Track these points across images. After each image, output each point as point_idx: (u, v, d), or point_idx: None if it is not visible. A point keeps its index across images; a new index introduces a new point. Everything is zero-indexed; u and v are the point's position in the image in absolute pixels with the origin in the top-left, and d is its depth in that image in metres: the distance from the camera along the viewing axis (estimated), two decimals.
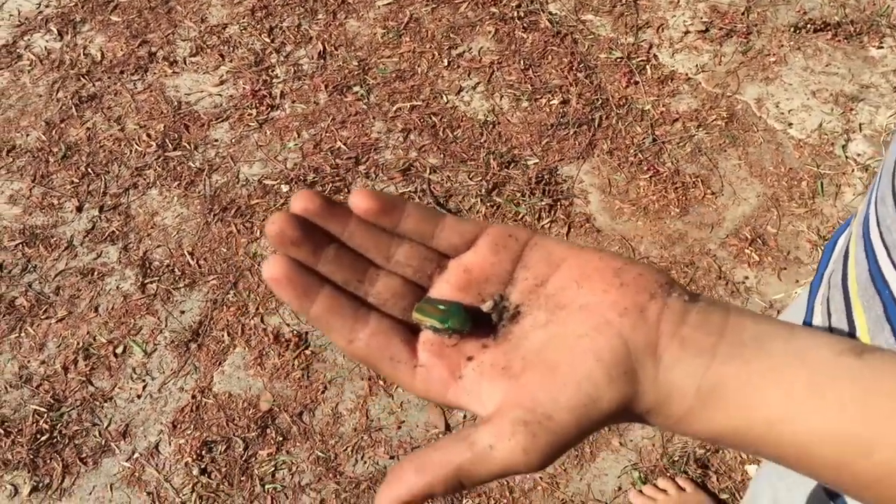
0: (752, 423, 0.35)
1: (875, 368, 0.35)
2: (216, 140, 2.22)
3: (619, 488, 1.66)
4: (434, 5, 2.49)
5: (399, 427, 1.74)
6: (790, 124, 2.19)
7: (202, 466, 1.72)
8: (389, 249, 0.41)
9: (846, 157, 2.11)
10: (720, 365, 0.36)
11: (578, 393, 0.35)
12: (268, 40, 2.44)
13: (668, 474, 1.66)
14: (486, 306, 0.41)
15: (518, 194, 2.05)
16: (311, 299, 0.39)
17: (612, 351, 0.36)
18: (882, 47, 2.33)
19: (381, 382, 1.79)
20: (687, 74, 2.31)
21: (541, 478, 1.66)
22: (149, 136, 2.22)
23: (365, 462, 1.71)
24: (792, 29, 2.40)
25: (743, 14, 2.44)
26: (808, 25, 2.40)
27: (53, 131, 2.25)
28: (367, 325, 0.39)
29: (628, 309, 0.37)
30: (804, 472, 0.37)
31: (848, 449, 0.35)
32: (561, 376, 0.36)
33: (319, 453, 1.72)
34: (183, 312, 1.92)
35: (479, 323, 0.40)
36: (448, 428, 1.73)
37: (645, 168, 2.10)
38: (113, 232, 2.05)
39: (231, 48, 2.42)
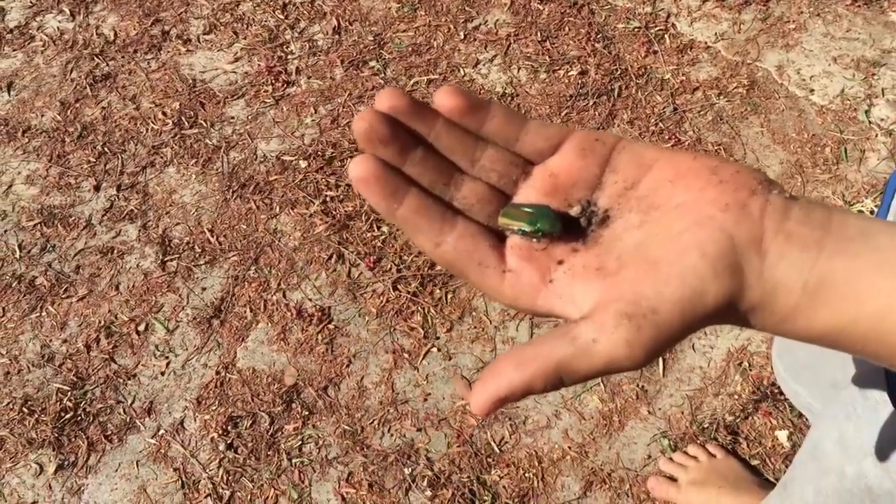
0: (859, 317, 0.34)
1: None
2: (232, 117, 2.20)
3: (649, 456, 1.64)
4: None
5: (425, 399, 1.73)
6: (812, 90, 2.16)
7: (228, 442, 1.71)
8: (475, 153, 0.40)
9: (869, 123, 2.08)
10: (827, 259, 0.35)
11: (683, 286, 0.34)
12: (281, 17, 2.41)
13: (698, 441, 1.65)
14: (573, 211, 0.40)
15: None
16: (399, 200, 0.38)
17: (716, 244, 0.35)
18: None
19: (406, 355, 1.78)
20: (706, 43, 2.29)
21: (569, 447, 1.65)
22: (164, 114, 2.21)
23: (392, 435, 1.70)
24: None
25: None
26: None
27: (68, 111, 2.24)
28: (455, 229, 0.38)
29: (729, 205, 0.36)
30: None
31: None
32: (664, 270, 0.35)
33: (346, 427, 1.71)
34: (204, 289, 1.91)
35: (567, 227, 0.39)
36: None
37: (666, 137, 2.07)
38: (131, 210, 2.04)
39: (245, 25, 2.40)
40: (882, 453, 0.67)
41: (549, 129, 0.41)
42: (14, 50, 2.40)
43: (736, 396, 1.70)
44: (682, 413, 1.69)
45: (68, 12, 2.48)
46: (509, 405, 1.67)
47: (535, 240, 0.38)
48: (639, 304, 0.34)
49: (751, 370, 1.72)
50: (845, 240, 0.35)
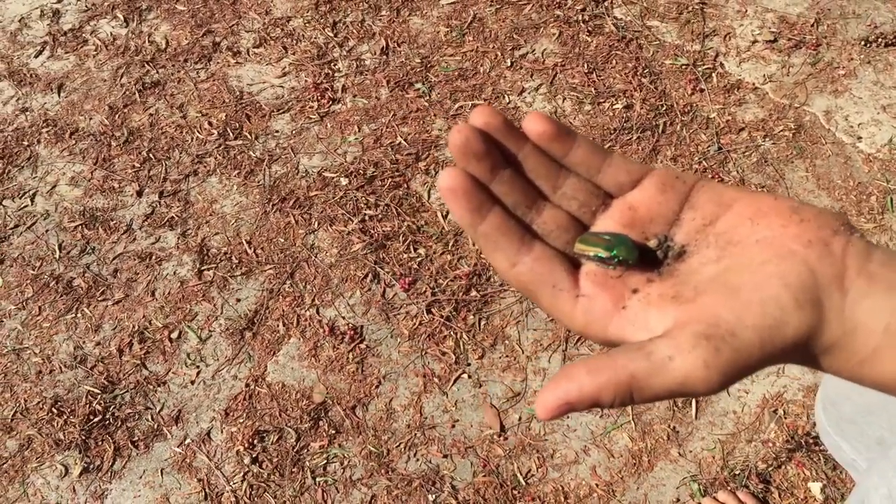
0: None
1: None
2: (277, 131, 2.22)
3: (678, 500, 1.62)
4: (498, 6, 2.47)
5: (453, 426, 1.72)
6: (859, 138, 2.14)
7: (253, 456, 1.71)
8: (558, 180, 0.41)
9: None
10: None
11: (764, 313, 0.34)
12: (331, 34, 2.44)
13: (729, 488, 1.62)
14: (651, 244, 0.40)
15: None
16: (483, 216, 0.38)
17: (799, 277, 0.34)
18: None
19: (435, 380, 1.77)
20: (754, 84, 2.27)
21: (596, 485, 1.63)
22: (210, 124, 2.23)
23: (417, 459, 1.68)
24: (862, 42, 2.35)
25: (812, 26, 2.40)
26: (879, 39, 2.34)
27: (116, 116, 2.27)
28: (532, 251, 0.39)
29: (812, 241, 0.36)
30: None
31: None
32: (744, 296, 0.34)
33: (372, 448, 1.70)
34: (239, 300, 1.91)
35: (644, 258, 0.39)
36: (503, 429, 1.71)
37: (710, 176, 2.06)
38: (172, 217, 2.06)
39: (294, 41, 2.42)
40: None
41: (631, 164, 0.41)
42: (66, 52, 2.44)
43: (770, 444, 1.67)
44: (714, 457, 1.66)
45: (122, 18, 2.52)
46: (538, 438, 1.65)
47: (611, 266, 0.38)
48: (718, 326, 0.33)
49: (786, 418, 1.69)
50: None
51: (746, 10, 2.45)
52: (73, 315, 1.91)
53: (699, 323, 0.34)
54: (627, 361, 0.34)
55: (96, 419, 1.76)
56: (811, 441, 1.66)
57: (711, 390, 0.33)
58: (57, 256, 2.00)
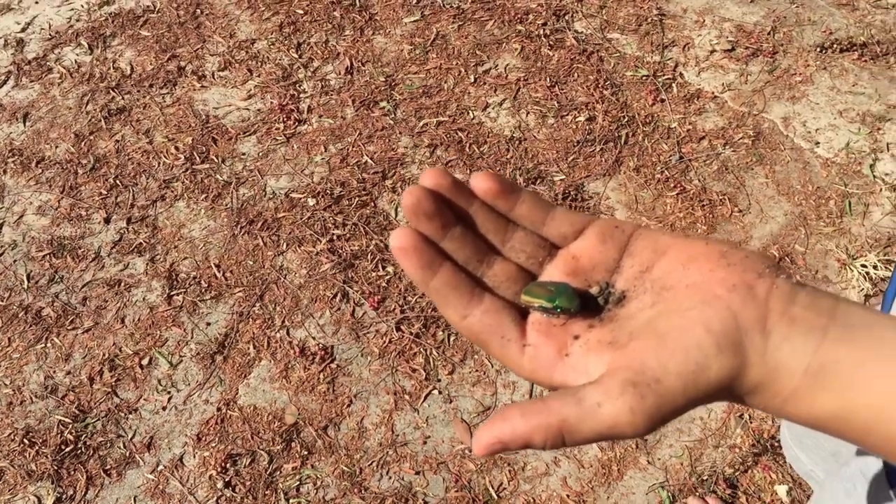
0: (860, 406, 0.35)
1: None
2: (244, 153, 2.23)
3: None
4: (460, 23, 2.50)
5: (425, 442, 1.73)
6: (817, 143, 2.18)
7: (226, 479, 1.71)
8: (506, 234, 0.43)
9: (874, 177, 2.09)
10: (831, 345, 0.35)
11: (687, 360, 0.36)
12: (296, 55, 2.45)
13: (697, 493, 1.64)
14: (593, 290, 0.42)
15: None
16: (434, 272, 0.40)
17: (722, 322, 0.36)
18: None
19: (406, 397, 1.78)
20: (713, 93, 2.31)
21: (567, 495, 1.65)
22: (177, 148, 2.24)
23: (390, 477, 1.69)
24: (818, 49, 2.39)
25: (769, 34, 2.44)
26: (835, 45, 2.39)
27: (82, 143, 2.27)
28: (482, 304, 0.41)
29: (737, 285, 0.37)
30: None
31: None
32: (670, 344, 0.36)
33: (344, 468, 1.71)
34: (209, 324, 1.92)
35: (586, 305, 0.41)
36: None
37: (672, 185, 2.09)
38: (140, 244, 2.06)
39: (259, 63, 2.44)
40: None
41: (573, 216, 0.44)
42: (31, 81, 2.44)
43: (736, 449, 1.69)
44: (682, 464, 1.68)
45: (86, 45, 2.52)
46: (509, 452, 1.67)
47: (555, 315, 0.40)
48: (644, 374, 0.35)
49: (751, 423, 1.72)
50: (849, 328, 0.36)
51: (704, 20, 2.49)
52: (43, 345, 1.91)
53: (628, 370, 0.36)
54: (560, 406, 0.36)
55: (68, 449, 1.76)
56: (776, 445, 1.69)
57: (638, 434, 0.35)
58: (25, 286, 2.00)
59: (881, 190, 2.07)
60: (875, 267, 1.90)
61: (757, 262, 0.38)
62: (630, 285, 0.41)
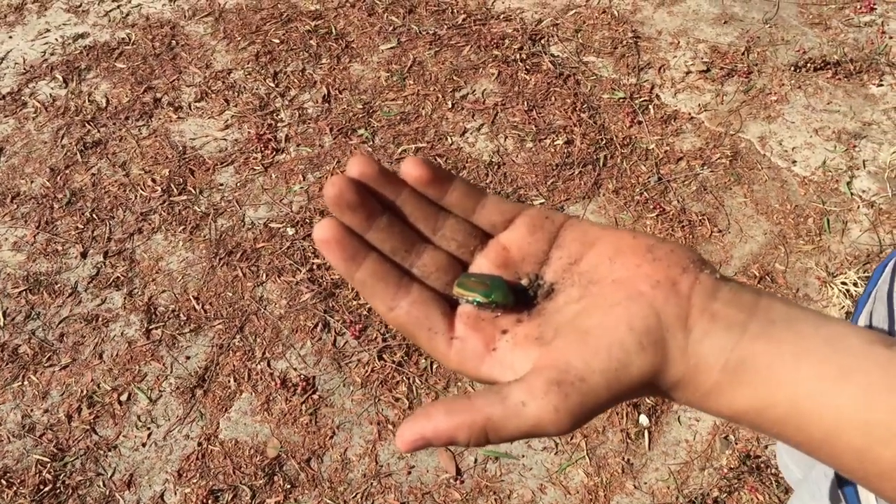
0: (777, 400, 0.35)
1: None
2: (221, 184, 2.21)
3: None
4: (437, 49, 2.51)
5: (409, 472, 1.71)
6: (794, 162, 2.19)
7: None
8: (437, 222, 0.42)
9: (851, 194, 2.11)
10: (750, 341, 0.36)
11: (609, 358, 0.36)
12: (272, 85, 2.45)
13: None
14: (523, 283, 0.42)
15: None
16: (358, 263, 0.39)
17: (644, 320, 0.36)
18: (882, 85, 2.35)
19: (390, 426, 1.77)
20: (690, 114, 2.32)
21: None
22: (154, 181, 2.22)
23: None
24: (792, 68, 2.42)
25: (743, 54, 2.46)
26: (808, 64, 2.41)
27: (58, 177, 2.25)
28: (409, 295, 0.40)
29: (660, 282, 0.38)
30: (824, 458, 0.36)
31: (872, 436, 0.34)
32: (593, 341, 0.36)
33: (329, 501, 1.68)
34: (188, 358, 1.90)
35: (518, 298, 0.41)
36: (459, 472, 1.70)
37: (651, 206, 2.09)
38: (118, 277, 2.04)
39: (236, 93, 2.43)
40: None
41: (504, 205, 0.43)
42: (6, 116, 2.42)
43: (722, 470, 1.68)
44: (668, 488, 1.67)
45: (61, 79, 2.51)
46: (494, 479, 1.66)
47: (489, 310, 0.40)
48: (568, 373, 0.35)
49: (737, 444, 1.71)
50: (769, 323, 0.36)
51: (679, 42, 2.51)
52: (20, 383, 1.88)
53: (552, 369, 0.36)
54: (484, 404, 0.36)
55: (47, 488, 1.73)
56: (763, 465, 1.68)
57: (562, 432, 0.36)
58: (1, 324, 1.97)
59: (859, 207, 2.08)
60: (855, 284, 1.90)
61: (682, 256, 0.39)
62: (558, 278, 0.41)
